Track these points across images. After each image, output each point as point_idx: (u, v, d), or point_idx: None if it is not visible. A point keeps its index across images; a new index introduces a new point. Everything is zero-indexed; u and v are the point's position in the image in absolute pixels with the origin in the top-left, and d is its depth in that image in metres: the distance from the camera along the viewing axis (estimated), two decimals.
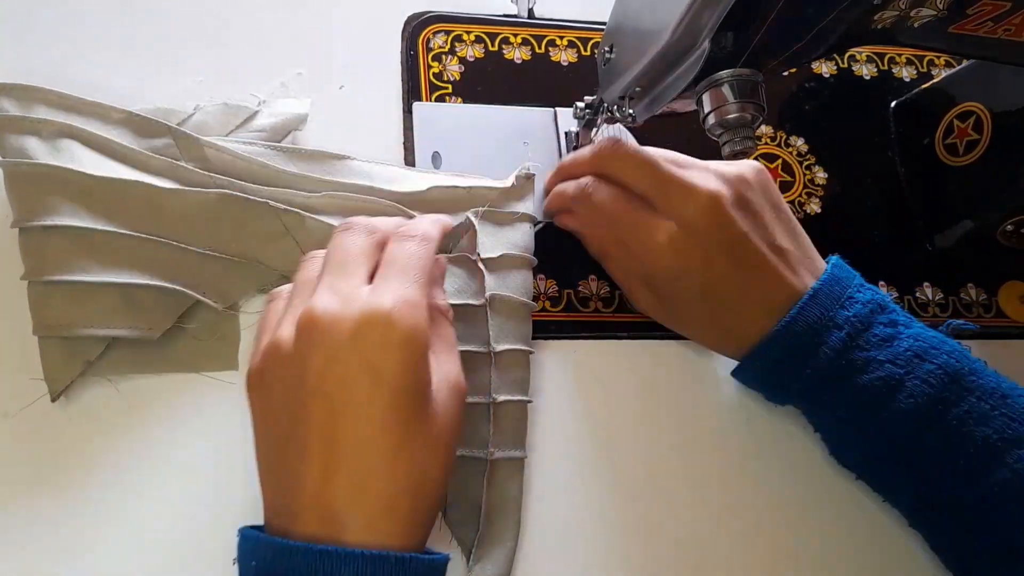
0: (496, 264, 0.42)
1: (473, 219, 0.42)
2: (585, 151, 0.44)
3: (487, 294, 0.40)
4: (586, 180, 0.43)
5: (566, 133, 0.48)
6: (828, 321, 0.38)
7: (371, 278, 0.32)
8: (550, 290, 0.45)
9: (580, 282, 0.45)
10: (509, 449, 0.40)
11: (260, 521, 0.31)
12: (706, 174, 0.40)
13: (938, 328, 0.40)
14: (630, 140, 0.45)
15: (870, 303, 0.39)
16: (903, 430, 0.37)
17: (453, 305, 0.40)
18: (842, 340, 0.38)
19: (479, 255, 0.41)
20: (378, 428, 0.29)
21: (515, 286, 0.42)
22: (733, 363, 0.42)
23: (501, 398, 0.40)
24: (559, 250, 0.45)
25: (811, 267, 0.41)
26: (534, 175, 0.45)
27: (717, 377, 0.45)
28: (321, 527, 0.29)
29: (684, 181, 0.39)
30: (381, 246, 0.33)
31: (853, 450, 0.41)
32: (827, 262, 0.41)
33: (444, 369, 0.33)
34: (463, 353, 0.40)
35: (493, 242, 0.42)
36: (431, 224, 0.35)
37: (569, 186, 0.44)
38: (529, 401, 0.41)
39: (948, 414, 0.37)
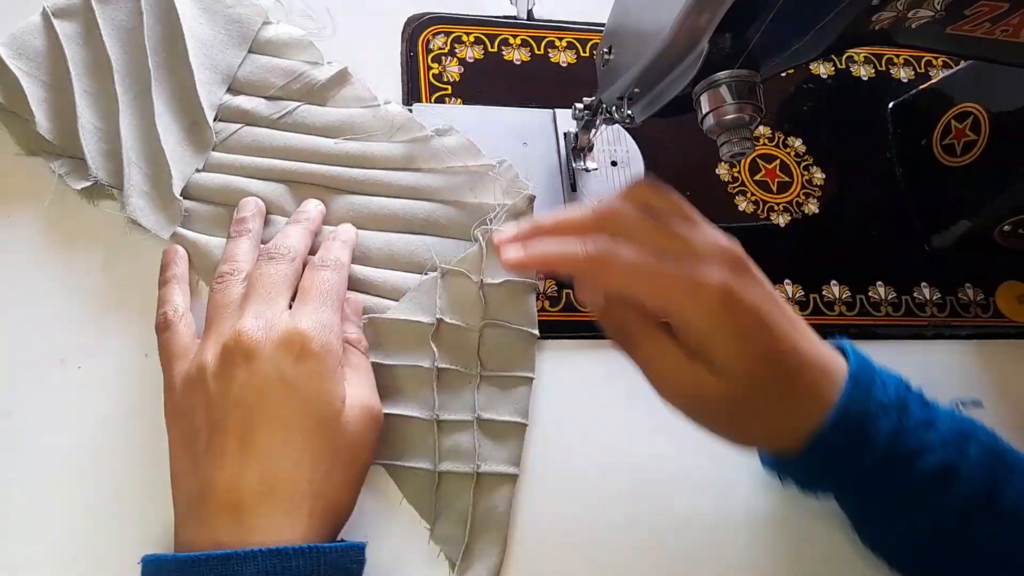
0: (498, 292, 0.42)
1: (481, 239, 0.42)
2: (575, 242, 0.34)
3: (483, 322, 0.41)
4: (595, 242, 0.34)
5: (565, 134, 0.48)
6: (873, 406, 0.35)
7: (291, 303, 0.36)
8: (549, 290, 0.45)
9: None
10: (500, 464, 0.40)
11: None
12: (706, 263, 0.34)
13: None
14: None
15: (896, 383, 0.36)
16: (958, 516, 0.35)
17: (453, 324, 0.41)
18: (890, 427, 0.35)
19: (482, 280, 0.42)
20: (287, 434, 0.32)
21: (517, 314, 0.42)
22: None
23: (490, 416, 0.40)
24: None
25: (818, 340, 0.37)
26: (534, 196, 0.44)
27: None
28: (228, 531, 0.31)
29: (685, 280, 0.33)
30: (299, 272, 0.38)
31: (895, 538, 0.38)
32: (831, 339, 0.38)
33: (356, 392, 0.35)
34: (455, 373, 0.40)
35: (495, 265, 0.42)
36: (342, 248, 0.40)
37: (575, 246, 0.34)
38: (525, 424, 0.41)
39: (1003, 498, 0.35)
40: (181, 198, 0.41)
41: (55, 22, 0.42)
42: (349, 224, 0.42)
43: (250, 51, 0.46)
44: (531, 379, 0.42)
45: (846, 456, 0.35)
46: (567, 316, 0.45)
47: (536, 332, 0.42)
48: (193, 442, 0.33)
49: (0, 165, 0.42)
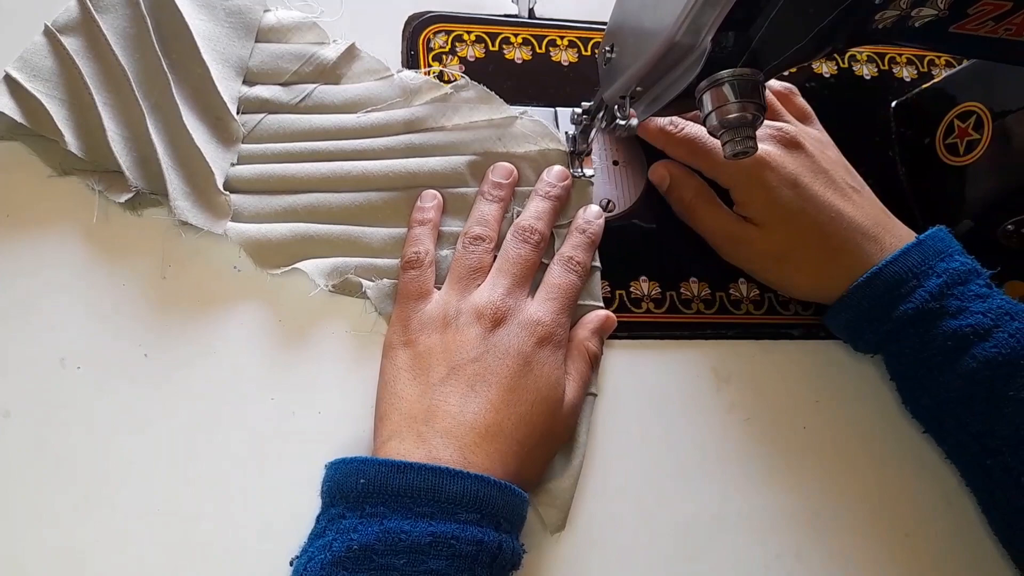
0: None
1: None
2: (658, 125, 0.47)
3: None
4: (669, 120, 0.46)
5: (566, 133, 0.48)
6: (927, 268, 0.41)
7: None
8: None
9: None
10: None
11: None
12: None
13: None
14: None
15: (969, 265, 0.42)
16: (980, 378, 0.39)
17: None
18: (939, 286, 0.40)
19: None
20: (513, 397, 0.36)
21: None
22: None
23: None
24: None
25: (896, 226, 0.45)
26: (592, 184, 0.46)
27: (717, 377, 0.45)
28: (446, 451, 0.34)
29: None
30: (541, 255, 0.42)
31: (926, 396, 0.42)
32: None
33: (571, 391, 0.39)
34: None
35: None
36: (588, 251, 0.43)
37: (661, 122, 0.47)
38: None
39: None
40: (226, 192, 0.41)
41: (61, 38, 0.42)
42: (597, 208, 0.45)
43: (256, 40, 0.46)
44: (600, 306, 0.44)
45: (878, 309, 0.41)
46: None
47: (599, 265, 0.45)
48: (426, 372, 0.37)
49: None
